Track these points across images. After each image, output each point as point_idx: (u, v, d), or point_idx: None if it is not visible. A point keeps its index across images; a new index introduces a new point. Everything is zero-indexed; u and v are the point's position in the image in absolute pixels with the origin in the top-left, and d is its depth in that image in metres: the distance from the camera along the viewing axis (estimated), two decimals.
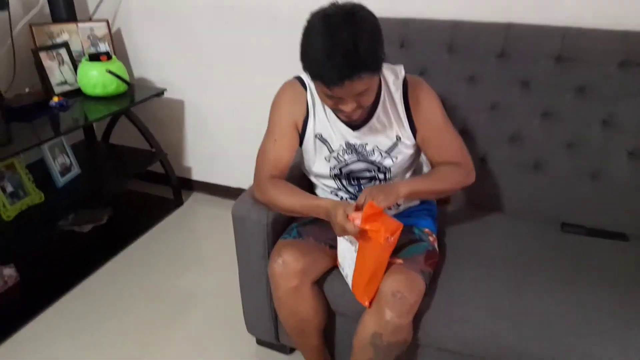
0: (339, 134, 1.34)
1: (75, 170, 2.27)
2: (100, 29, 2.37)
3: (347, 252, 1.28)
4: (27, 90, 2.19)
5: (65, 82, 2.25)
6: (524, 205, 1.67)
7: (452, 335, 1.29)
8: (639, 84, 1.49)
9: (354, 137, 1.34)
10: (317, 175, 1.44)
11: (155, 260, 2.21)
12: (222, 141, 2.54)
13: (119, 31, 2.48)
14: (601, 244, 1.52)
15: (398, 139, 1.34)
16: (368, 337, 1.26)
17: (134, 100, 2.30)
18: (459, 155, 1.39)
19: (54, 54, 2.22)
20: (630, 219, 1.55)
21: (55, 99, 2.11)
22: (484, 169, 1.67)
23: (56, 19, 2.31)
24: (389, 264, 1.25)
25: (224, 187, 2.65)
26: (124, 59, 2.51)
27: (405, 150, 1.36)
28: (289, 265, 1.30)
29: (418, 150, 1.42)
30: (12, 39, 2.17)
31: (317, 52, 1.09)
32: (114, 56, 2.26)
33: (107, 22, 2.38)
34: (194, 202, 2.68)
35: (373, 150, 1.35)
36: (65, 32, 2.31)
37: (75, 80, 2.27)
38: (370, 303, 1.25)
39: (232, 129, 2.47)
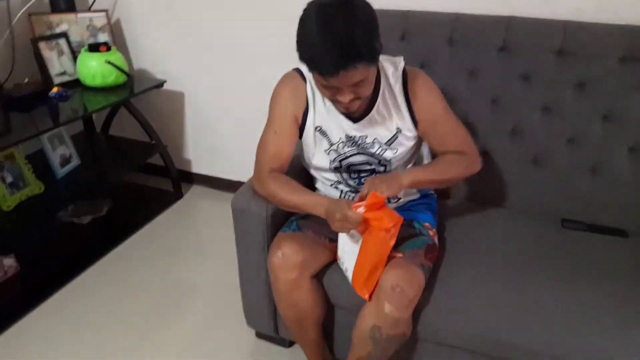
0: (338, 126, 1.34)
1: (75, 161, 2.27)
2: (99, 20, 2.36)
3: (347, 245, 1.28)
4: (26, 80, 2.18)
5: (64, 73, 2.24)
6: (524, 200, 1.67)
7: (451, 329, 1.29)
8: None
9: (353, 129, 1.33)
10: (317, 168, 1.44)
11: (155, 253, 2.21)
12: (222, 134, 2.53)
13: (118, 22, 2.47)
14: (601, 240, 1.52)
15: (398, 130, 1.34)
16: (367, 331, 1.26)
17: (134, 91, 2.29)
18: (463, 143, 1.38)
19: (53, 44, 2.21)
20: (630, 215, 1.56)
21: (55, 89, 2.10)
22: (484, 163, 1.66)
23: (55, 8, 2.30)
24: (389, 258, 1.25)
25: (223, 180, 2.65)
26: (124, 49, 2.50)
27: (406, 142, 1.36)
28: (288, 257, 1.30)
29: (418, 142, 1.42)
30: (11, 29, 2.16)
31: (311, 41, 1.09)
32: (113, 47, 2.24)
33: (107, 12, 2.36)
34: (194, 195, 2.68)
35: (373, 143, 1.35)
36: (64, 22, 2.29)
37: (75, 70, 2.25)
38: (370, 296, 1.25)
39: (232, 121, 2.46)
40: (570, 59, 1.54)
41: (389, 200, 1.43)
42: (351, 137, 1.34)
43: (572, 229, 1.57)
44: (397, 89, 1.32)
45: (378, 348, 1.28)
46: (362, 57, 1.08)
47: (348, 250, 1.28)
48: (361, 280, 1.25)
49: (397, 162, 1.39)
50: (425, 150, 1.50)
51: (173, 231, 2.37)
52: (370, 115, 1.32)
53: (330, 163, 1.39)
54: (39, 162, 2.12)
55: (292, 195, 1.31)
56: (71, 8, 2.32)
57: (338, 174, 1.42)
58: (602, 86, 1.53)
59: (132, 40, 2.50)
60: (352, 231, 1.21)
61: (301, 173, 1.52)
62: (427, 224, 1.45)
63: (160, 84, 2.37)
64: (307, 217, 1.43)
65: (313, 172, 1.49)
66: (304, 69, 1.35)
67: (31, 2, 2.21)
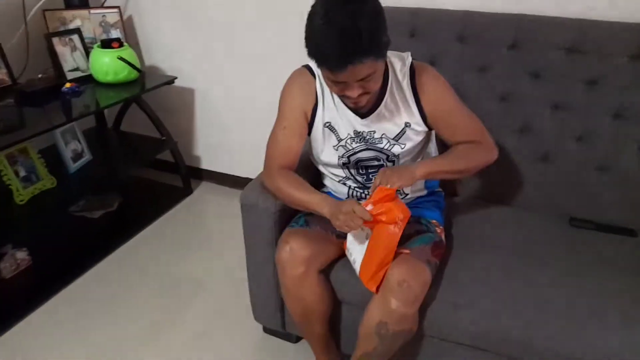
0: (347, 122, 1.35)
1: (87, 156, 2.30)
2: (112, 16, 2.38)
3: (356, 237, 1.28)
4: (39, 75, 2.21)
5: (77, 69, 2.27)
6: (532, 198, 1.66)
7: (457, 326, 1.29)
8: None
9: (362, 125, 1.34)
10: (326, 164, 1.45)
11: (164, 248, 2.24)
12: (232, 131, 2.55)
13: (130, 18, 2.49)
14: (609, 239, 1.51)
15: (407, 125, 1.34)
16: (373, 326, 1.26)
17: (145, 87, 2.31)
18: (477, 133, 1.38)
19: (67, 40, 2.24)
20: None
21: (68, 85, 2.12)
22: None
23: (69, 5, 2.33)
24: (396, 254, 1.26)
25: (232, 176, 2.66)
26: (136, 46, 2.52)
27: (414, 137, 1.36)
28: (295, 252, 1.31)
29: (426, 137, 1.42)
30: (25, 25, 2.19)
31: (319, 37, 1.10)
32: (125, 43, 2.27)
33: (119, 8, 2.39)
34: (203, 191, 2.70)
35: (381, 138, 1.35)
36: (77, 18, 2.32)
37: (87, 66, 2.28)
38: (377, 289, 1.26)
39: (242, 118, 2.48)
40: (581, 56, 1.53)
41: (400, 190, 1.43)
42: (359, 132, 1.35)
43: (580, 227, 1.56)
44: (405, 83, 1.32)
45: (384, 343, 1.28)
46: (369, 51, 1.09)
47: (357, 242, 1.28)
48: (369, 274, 1.26)
49: (405, 157, 1.39)
50: (432, 148, 1.50)
51: (182, 227, 2.39)
52: (378, 110, 1.32)
53: (338, 159, 1.39)
54: (52, 157, 2.15)
55: (298, 192, 1.32)
56: (84, 4, 2.35)
57: (346, 170, 1.43)
58: (612, 84, 1.52)
59: (143, 36, 2.52)
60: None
61: (309, 169, 1.52)
62: (434, 221, 1.45)
63: (171, 80, 2.38)
64: None
65: (321, 168, 1.50)
66: (313, 65, 1.36)
67: None
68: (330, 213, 1.23)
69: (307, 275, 1.33)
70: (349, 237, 1.33)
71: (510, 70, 1.62)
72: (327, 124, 1.36)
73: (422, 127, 1.35)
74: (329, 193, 1.53)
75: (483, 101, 1.66)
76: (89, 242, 2.24)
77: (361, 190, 1.45)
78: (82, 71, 2.28)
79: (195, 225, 2.42)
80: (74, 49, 2.26)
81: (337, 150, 1.38)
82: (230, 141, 2.58)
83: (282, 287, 1.40)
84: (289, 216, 1.47)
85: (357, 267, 1.30)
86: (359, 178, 1.43)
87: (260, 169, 1.46)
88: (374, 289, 1.26)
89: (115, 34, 2.39)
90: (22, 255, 2.03)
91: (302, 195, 1.32)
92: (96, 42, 2.26)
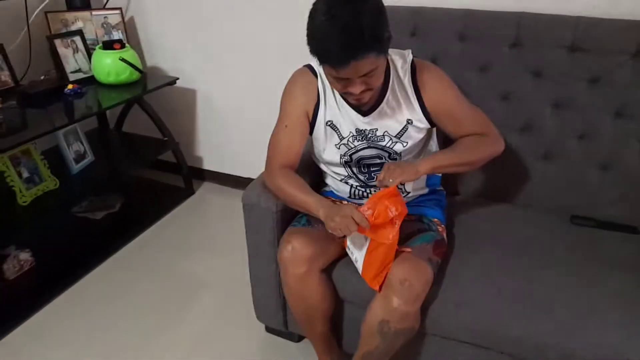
0: (349, 120, 1.35)
1: (89, 157, 2.30)
2: (114, 17, 2.39)
3: (356, 237, 1.28)
4: (42, 77, 2.22)
5: (79, 70, 2.28)
6: (533, 196, 1.66)
7: (458, 324, 1.30)
8: None
9: (364, 122, 1.34)
10: (328, 163, 1.45)
11: (166, 248, 2.24)
12: (234, 131, 2.55)
13: (132, 19, 2.50)
14: (611, 236, 1.51)
15: (409, 122, 1.34)
16: (375, 325, 1.27)
17: (147, 88, 2.32)
18: (481, 125, 1.37)
19: (69, 41, 2.25)
20: None
21: (70, 86, 2.13)
22: (494, 159, 1.66)
23: (71, 6, 2.34)
24: (398, 253, 1.26)
25: (234, 176, 2.67)
26: (137, 47, 2.53)
27: (416, 134, 1.36)
28: (298, 251, 1.31)
29: (428, 135, 1.42)
30: (28, 26, 2.20)
31: (321, 33, 1.11)
32: (127, 44, 2.27)
33: (121, 10, 2.40)
34: (205, 192, 2.70)
35: (383, 136, 1.35)
36: (79, 20, 2.33)
37: (89, 67, 2.29)
38: (380, 287, 1.26)
39: (244, 119, 2.48)
40: (583, 54, 1.53)
41: (402, 185, 1.44)
42: (361, 130, 1.35)
43: (581, 225, 1.56)
44: (406, 81, 1.32)
45: (386, 342, 1.28)
46: (371, 46, 1.10)
47: (358, 241, 1.28)
48: (371, 274, 1.26)
49: (407, 155, 1.39)
50: (434, 146, 1.50)
51: (184, 227, 2.40)
52: (380, 107, 1.32)
53: (340, 157, 1.40)
54: (55, 158, 2.16)
55: (297, 192, 1.33)
56: (86, 6, 2.36)
57: (348, 169, 1.43)
58: (614, 82, 1.52)
59: (145, 38, 2.53)
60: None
61: (310, 169, 1.53)
62: (436, 219, 1.46)
63: (173, 81, 2.39)
64: None
65: (323, 167, 1.50)
66: (315, 64, 1.37)
67: (47, 0, 2.25)
68: (325, 215, 1.23)
69: (309, 274, 1.34)
70: (349, 237, 1.33)
71: (511, 69, 1.62)
72: (329, 123, 1.37)
73: (424, 124, 1.35)
74: (330, 192, 1.54)
75: (484, 100, 1.65)
76: (91, 243, 2.25)
77: (363, 189, 1.46)
78: (84, 72, 2.29)
79: (197, 226, 2.43)
80: (76, 50, 2.27)
81: (339, 148, 1.39)
82: (231, 142, 2.59)
83: (285, 286, 1.40)
84: (291, 215, 1.47)
85: (359, 265, 1.30)
86: (360, 176, 1.44)
87: (262, 169, 1.46)
88: (377, 288, 1.26)
89: (117, 35, 2.40)
90: (25, 256, 2.04)
91: (300, 195, 1.32)
92: (98, 44, 2.27)
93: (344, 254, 1.41)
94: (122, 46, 2.22)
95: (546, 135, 1.62)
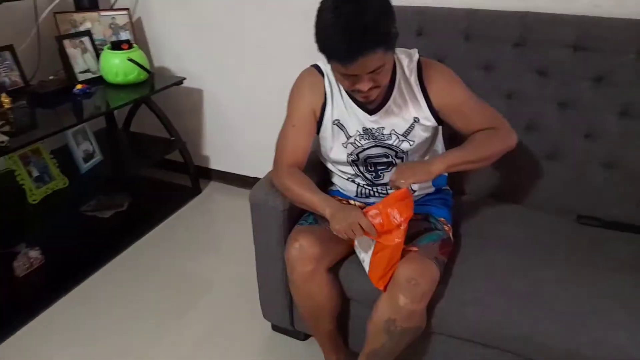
0: (355, 119, 1.36)
1: (98, 156, 2.32)
2: (121, 18, 2.41)
3: (363, 239, 1.29)
4: (51, 77, 2.24)
5: (87, 70, 2.30)
6: (539, 195, 1.67)
7: (464, 323, 1.30)
8: None
9: (370, 121, 1.35)
10: (335, 162, 1.46)
11: (173, 247, 2.26)
12: (240, 131, 2.57)
13: (139, 20, 2.51)
14: (616, 236, 1.51)
15: (416, 120, 1.35)
16: (382, 323, 1.27)
17: (154, 88, 2.33)
18: (492, 119, 1.36)
19: (77, 42, 2.27)
20: None
21: (79, 86, 2.15)
22: (502, 157, 1.67)
23: (79, 7, 2.36)
24: (405, 252, 1.27)
25: (241, 176, 2.68)
26: (145, 47, 2.55)
27: (422, 133, 1.37)
28: (305, 250, 1.32)
29: (434, 134, 1.43)
30: (37, 27, 2.22)
31: (328, 30, 1.11)
32: (135, 45, 2.29)
33: (129, 10, 2.41)
34: (212, 191, 2.72)
35: (390, 134, 1.36)
36: (87, 21, 2.36)
37: (98, 68, 2.31)
38: (386, 287, 1.27)
39: (251, 119, 2.50)
40: (587, 53, 1.54)
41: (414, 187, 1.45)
42: (368, 129, 1.36)
43: (587, 225, 1.56)
44: (413, 79, 1.33)
45: (392, 340, 1.29)
46: (379, 42, 1.10)
47: (365, 241, 1.29)
48: (378, 275, 1.27)
49: (413, 154, 1.40)
50: (439, 146, 1.51)
51: (191, 226, 2.42)
52: (387, 106, 1.33)
53: (347, 156, 1.41)
54: (64, 157, 2.18)
55: (303, 191, 1.33)
56: (94, 7, 2.38)
57: (355, 167, 1.44)
58: (619, 81, 1.52)
59: (152, 38, 2.54)
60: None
61: (317, 168, 1.54)
62: (442, 218, 1.46)
63: (180, 81, 2.41)
64: None
65: (330, 166, 1.51)
66: (322, 64, 1.38)
67: (56, 1, 2.27)
68: (331, 214, 1.24)
69: (316, 273, 1.35)
70: (357, 239, 1.34)
71: (516, 68, 1.63)
72: (336, 122, 1.38)
73: (431, 122, 1.36)
74: (337, 192, 1.55)
75: (489, 99, 1.63)
76: (99, 242, 2.27)
77: (370, 188, 1.46)
78: (93, 72, 2.31)
79: (204, 225, 2.45)
80: (84, 50, 2.30)
81: (346, 147, 1.40)
82: (238, 141, 2.60)
83: (291, 285, 1.42)
84: (298, 214, 1.49)
85: (366, 265, 1.31)
86: (367, 175, 1.44)
87: (269, 168, 1.47)
88: (383, 288, 1.28)
89: (124, 35, 2.42)
90: (35, 254, 2.06)
91: (306, 194, 1.33)
92: (106, 44, 2.29)
93: (350, 253, 1.43)
94: (130, 46, 2.24)
95: (551, 135, 1.62)
